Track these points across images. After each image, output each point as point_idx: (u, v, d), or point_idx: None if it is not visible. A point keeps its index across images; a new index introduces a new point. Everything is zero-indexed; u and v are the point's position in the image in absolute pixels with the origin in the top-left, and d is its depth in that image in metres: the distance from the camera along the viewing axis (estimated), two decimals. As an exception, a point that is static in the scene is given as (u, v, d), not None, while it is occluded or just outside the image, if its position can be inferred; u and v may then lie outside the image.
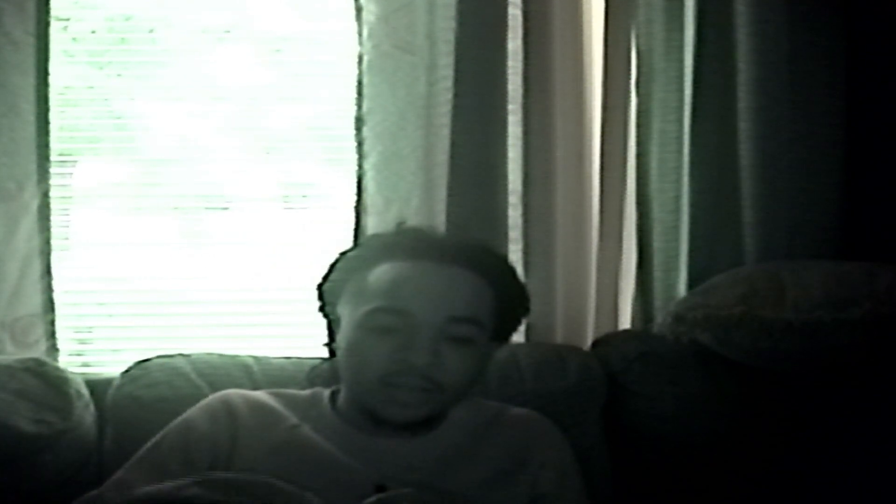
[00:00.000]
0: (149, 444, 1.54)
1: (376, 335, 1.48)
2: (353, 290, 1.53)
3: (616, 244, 2.10)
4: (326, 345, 1.61)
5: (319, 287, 1.59)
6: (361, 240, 1.59)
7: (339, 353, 1.55)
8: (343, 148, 2.05)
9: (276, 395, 1.59)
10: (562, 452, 1.59)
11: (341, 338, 1.54)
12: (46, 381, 1.76)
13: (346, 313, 1.54)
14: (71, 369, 1.87)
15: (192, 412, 1.56)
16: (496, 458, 1.55)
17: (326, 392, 1.60)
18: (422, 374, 1.46)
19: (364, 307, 1.50)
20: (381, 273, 1.51)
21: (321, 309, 1.59)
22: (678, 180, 2.08)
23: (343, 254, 1.60)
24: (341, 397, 1.59)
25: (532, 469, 1.55)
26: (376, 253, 1.54)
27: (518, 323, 1.64)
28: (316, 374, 1.68)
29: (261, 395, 1.59)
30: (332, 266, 1.59)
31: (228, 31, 2.15)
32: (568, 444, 1.62)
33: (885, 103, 2.10)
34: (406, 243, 1.54)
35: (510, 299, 1.57)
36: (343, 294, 1.55)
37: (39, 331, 1.94)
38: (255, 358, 1.83)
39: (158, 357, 1.81)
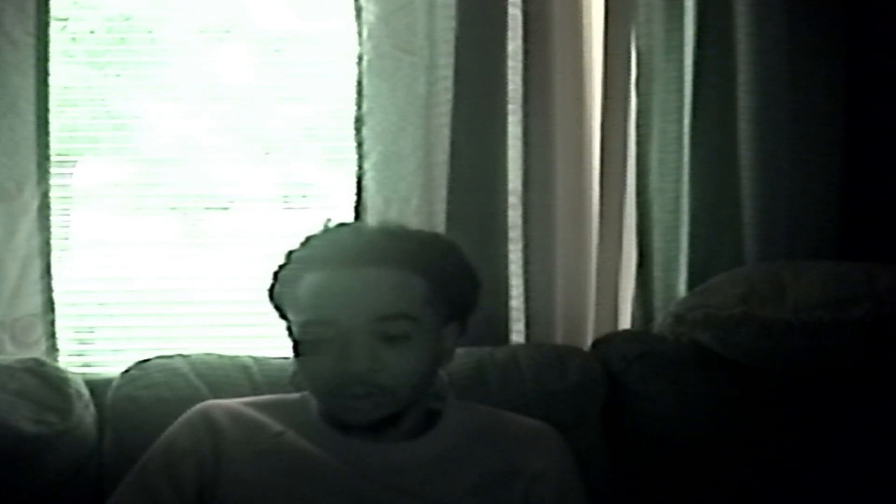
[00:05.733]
0: (135, 468, 1.53)
1: (313, 348, 1.49)
2: (289, 301, 1.54)
3: (616, 244, 2.10)
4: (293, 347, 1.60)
5: (269, 293, 1.58)
6: (304, 243, 1.56)
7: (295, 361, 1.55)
8: (343, 148, 2.05)
9: (255, 405, 1.58)
10: (562, 464, 1.58)
11: (291, 347, 1.54)
12: (46, 381, 1.76)
13: (292, 323, 1.54)
14: (71, 369, 1.87)
15: (173, 430, 1.55)
16: (488, 464, 1.53)
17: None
18: (362, 381, 1.46)
19: (298, 319, 1.51)
20: (306, 284, 1.51)
21: (281, 316, 1.58)
22: (678, 180, 2.07)
23: (286, 258, 1.58)
24: None
25: (525, 479, 1.53)
26: (306, 262, 1.53)
27: (470, 302, 1.59)
28: (298, 378, 1.66)
29: (239, 406, 1.58)
30: (275, 274, 1.58)
31: (228, 31, 2.15)
32: (571, 455, 1.60)
33: (885, 103, 2.10)
34: (323, 250, 1.53)
35: (450, 282, 1.54)
36: (284, 302, 1.56)
37: (39, 331, 1.94)
38: (255, 358, 1.83)
39: (157, 357, 1.81)
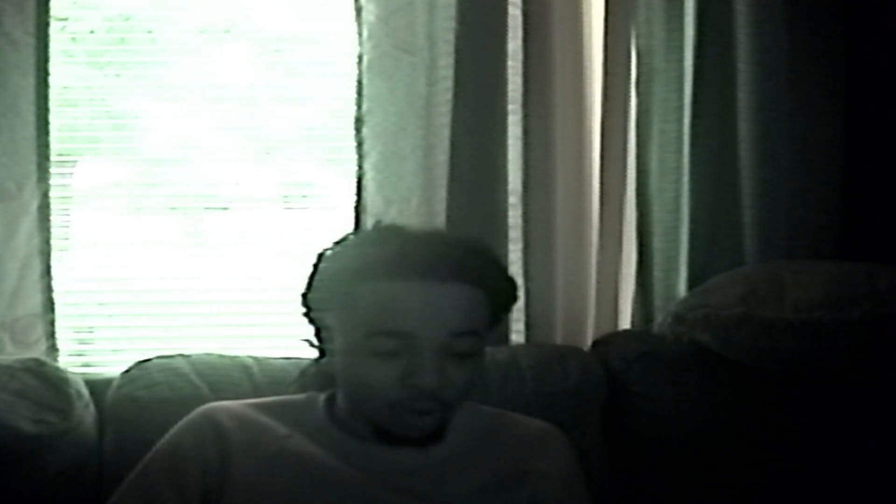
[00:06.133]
0: (136, 470, 1.51)
1: (379, 360, 1.43)
2: (342, 306, 1.48)
3: (616, 244, 2.10)
4: (315, 346, 1.57)
5: (304, 294, 1.54)
6: (342, 242, 1.52)
7: (337, 369, 1.51)
8: (343, 148, 2.05)
9: (261, 407, 1.55)
10: (567, 465, 1.57)
11: (338, 356, 1.49)
12: (46, 381, 1.76)
13: (337, 328, 1.49)
14: (71, 369, 1.87)
15: (176, 432, 1.52)
16: (496, 465, 1.53)
17: (322, 397, 1.57)
18: (430, 397, 1.43)
19: (359, 330, 1.45)
20: (372, 293, 1.44)
21: (307, 314, 1.55)
22: (678, 180, 2.08)
23: (323, 256, 1.53)
24: (340, 405, 1.55)
25: (533, 480, 1.53)
26: (362, 266, 1.47)
27: (510, 309, 1.60)
28: (307, 377, 1.63)
29: (245, 408, 1.55)
30: (314, 272, 1.53)
31: (228, 31, 2.15)
32: (576, 457, 1.60)
33: (885, 103, 2.10)
34: (392, 257, 1.46)
35: (502, 296, 1.54)
36: (331, 306, 1.50)
37: (39, 331, 1.94)
38: (255, 358, 1.83)
39: (158, 357, 1.80)
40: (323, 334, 1.53)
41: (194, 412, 1.54)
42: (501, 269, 1.57)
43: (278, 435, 1.51)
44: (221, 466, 1.48)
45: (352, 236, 1.55)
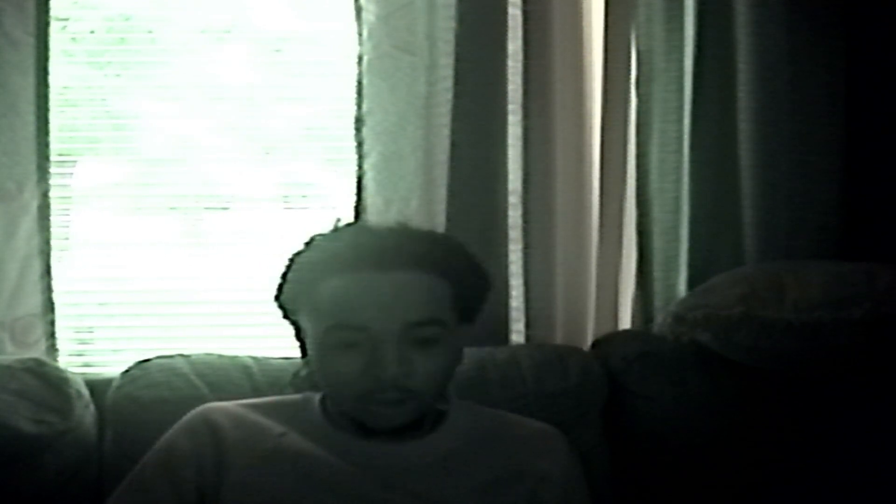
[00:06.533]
0: (134, 470, 1.52)
1: (340, 353, 1.46)
2: (306, 304, 1.51)
3: (616, 244, 2.10)
4: (300, 348, 1.58)
5: (276, 297, 1.56)
6: (308, 243, 1.54)
7: (311, 366, 1.54)
8: (343, 148, 2.05)
9: (256, 407, 1.57)
10: (567, 466, 1.57)
11: (310, 351, 1.53)
12: (46, 381, 1.76)
13: (307, 327, 1.52)
14: (71, 369, 1.87)
15: (172, 432, 1.54)
16: (495, 466, 1.53)
17: (317, 396, 1.59)
18: (393, 386, 1.44)
19: (321, 325, 1.48)
20: (330, 288, 1.47)
21: (284, 316, 1.57)
22: (678, 180, 2.08)
23: (293, 259, 1.56)
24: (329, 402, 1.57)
25: (532, 481, 1.53)
26: (322, 264, 1.50)
27: (482, 302, 1.59)
28: (300, 378, 1.66)
29: (240, 408, 1.56)
30: (284, 275, 1.56)
31: (228, 31, 2.15)
32: (576, 457, 1.60)
33: (885, 103, 2.10)
34: (349, 252, 1.49)
35: (468, 285, 1.54)
36: (299, 305, 1.53)
37: (39, 331, 1.94)
38: (255, 358, 1.83)
39: (158, 357, 1.80)
40: (301, 334, 1.55)
41: (191, 413, 1.56)
42: (468, 259, 1.57)
43: (273, 433, 1.52)
44: (217, 465, 1.49)
45: (318, 236, 1.55)
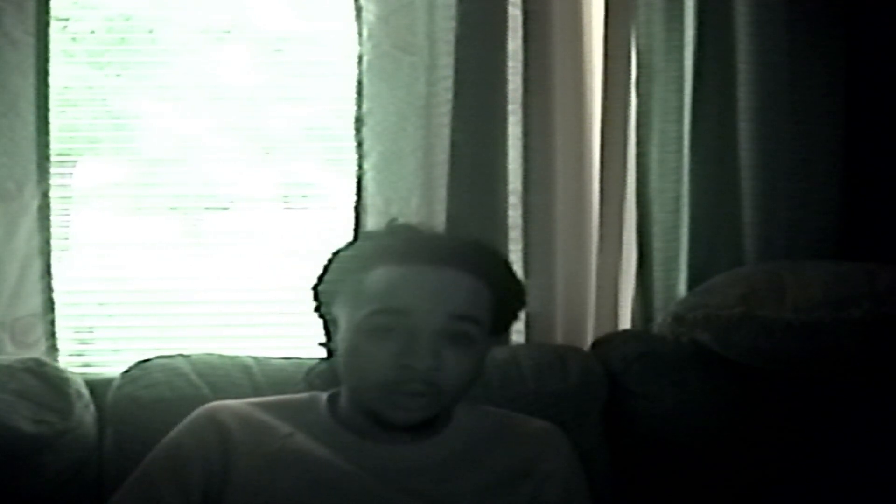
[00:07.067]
0: (138, 469, 1.52)
1: (376, 338, 1.47)
2: (349, 293, 1.52)
3: (616, 244, 2.10)
4: (323, 345, 1.59)
5: (315, 288, 1.58)
6: (356, 239, 1.57)
7: (338, 356, 1.53)
8: (343, 148, 2.05)
9: (263, 406, 1.57)
10: (569, 465, 1.58)
11: (340, 341, 1.52)
12: (46, 381, 1.76)
13: (342, 315, 1.52)
14: (71, 369, 1.87)
15: (177, 432, 1.53)
16: (499, 465, 1.53)
17: (324, 395, 1.59)
18: (423, 379, 1.45)
19: (362, 310, 1.48)
20: (377, 276, 1.49)
21: (317, 309, 1.58)
22: (678, 180, 2.08)
23: (337, 253, 1.58)
24: (341, 400, 1.57)
25: (535, 480, 1.53)
26: (371, 255, 1.53)
27: (515, 317, 1.63)
28: (314, 375, 1.65)
29: (247, 407, 1.56)
30: (327, 266, 1.58)
31: (228, 31, 2.15)
32: (577, 457, 1.60)
33: (885, 103, 2.10)
34: (400, 246, 1.52)
35: (507, 295, 1.57)
36: (339, 296, 1.54)
37: (39, 331, 1.94)
38: (255, 358, 1.83)
39: (158, 357, 1.80)
40: (330, 327, 1.56)
41: (196, 411, 1.55)
42: (509, 269, 1.62)
43: (280, 434, 1.52)
44: (223, 465, 1.48)
45: (365, 233, 1.58)
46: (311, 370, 1.66)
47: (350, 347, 1.50)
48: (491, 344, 1.58)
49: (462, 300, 1.49)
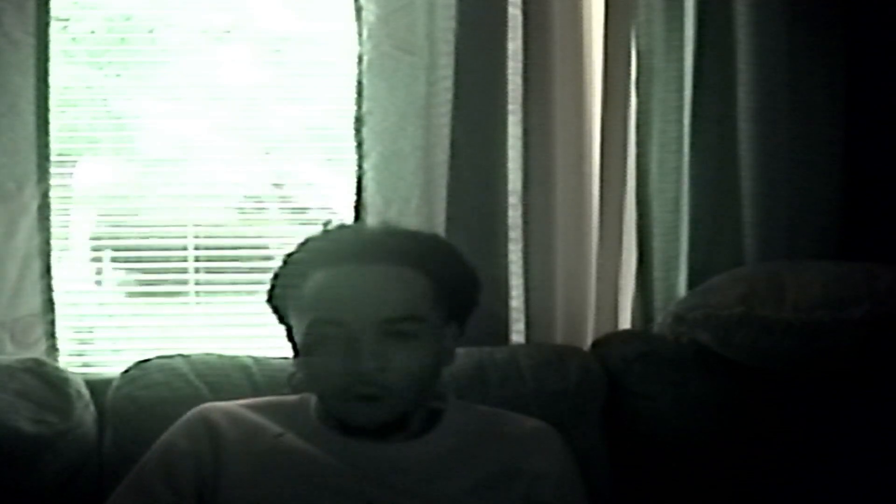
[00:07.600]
0: (133, 470, 1.53)
1: (321, 349, 1.48)
2: (294, 302, 1.53)
3: (616, 244, 2.10)
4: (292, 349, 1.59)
5: (268, 300, 1.58)
6: (303, 244, 1.57)
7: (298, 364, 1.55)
8: (343, 148, 2.05)
9: (254, 407, 1.57)
10: (562, 464, 1.57)
11: (298, 349, 1.54)
12: (46, 381, 1.76)
13: (294, 324, 1.53)
14: (71, 369, 1.87)
15: (171, 432, 1.54)
16: (490, 464, 1.53)
17: (314, 397, 1.58)
18: (370, 381, 1.45)
19: (304, 321, 1.49)
20: (313, 283, 1.50)
21: (279, 319, 1.58)
22: (678, 180, 2.08)
23: (285, 260, 1.58)
24: None
25: (527, 479, 1.53)
26: (309, 260, 1.53)
27: (472, 303, 1.59)
28: (296, 379, 1.65)
29: (239, 408, 1.57)
30: (276, 276, 1.57)
31: (228, 31, 2.15)
32: (572, 455, 1.60)
33: (885, 103, 2.10)
34: (331, 248, 1.52)
35: (453, 283, 1.55)
36: (288, 305, 1.54)
37: (39, 331, 1.94)
38: (255, 358, 1.83)
39: (157, 358, 1.80)
40: (292, 334, 1.56)
41: (189, 413, 1.56)
42: (454, 257, 1.58)
43: (271, 433, 1.52)
44: (215, 464, 1.49)
45: (309, 237, 1.57)
46: (292, 374, 1.66)
47: (302, 359, 1.52)
48: (450, 332, 1.56)
49: (396, 301, 1.48)
